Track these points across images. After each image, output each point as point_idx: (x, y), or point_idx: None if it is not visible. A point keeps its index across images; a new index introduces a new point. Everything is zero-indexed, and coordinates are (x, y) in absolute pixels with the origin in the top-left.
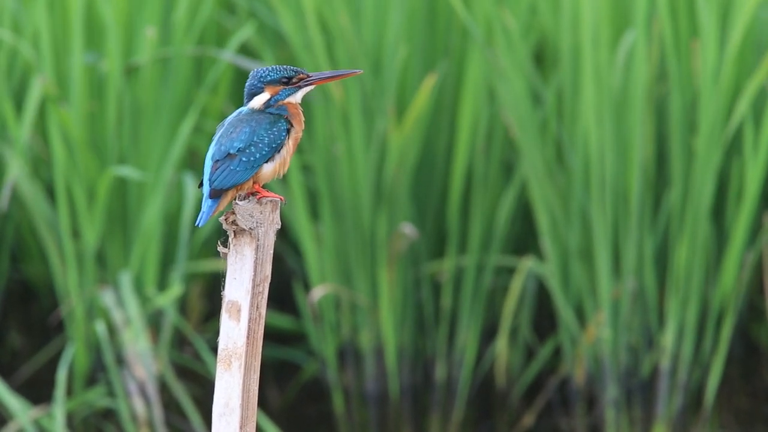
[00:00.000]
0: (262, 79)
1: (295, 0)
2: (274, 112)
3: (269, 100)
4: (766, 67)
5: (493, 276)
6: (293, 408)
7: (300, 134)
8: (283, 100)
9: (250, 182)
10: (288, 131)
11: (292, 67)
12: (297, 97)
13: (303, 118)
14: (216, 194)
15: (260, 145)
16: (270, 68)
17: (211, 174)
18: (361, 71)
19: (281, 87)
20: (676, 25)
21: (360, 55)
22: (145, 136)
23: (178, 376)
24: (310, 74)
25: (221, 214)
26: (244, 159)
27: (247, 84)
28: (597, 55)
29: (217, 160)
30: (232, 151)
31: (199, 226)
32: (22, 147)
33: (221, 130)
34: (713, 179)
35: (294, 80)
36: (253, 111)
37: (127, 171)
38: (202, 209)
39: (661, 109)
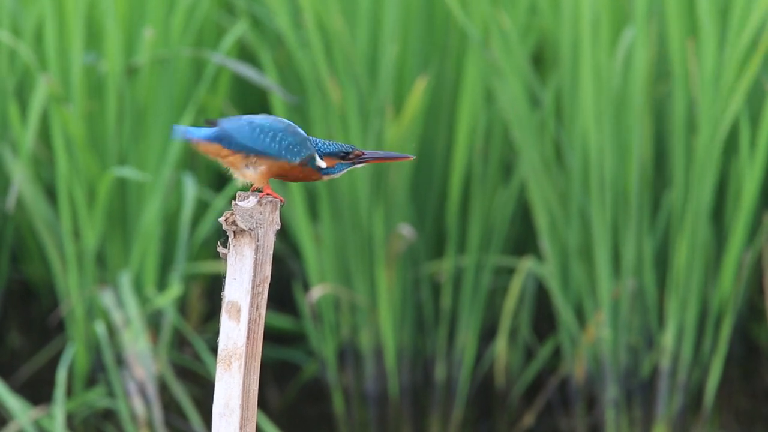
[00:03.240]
0: (320, 151)
1: (290, 0)
2: (329, 172)
3: (326, 168)
4: (757, 61)
5: (493, 276)
6: (293, 408)
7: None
8: (336, 173)
9: (255, 177)
10: (312, 160)
11: (349, 145)
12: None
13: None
14: (212, 124)
15: (285, 141)
16: (328, 142)
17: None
18: (413, 157)
19: (338, 161)
20: (678, 23)
21: (355, 56)
22: (145, 137)
23: (177, 377)
24: (365, 152)
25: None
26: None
27: (301, 140)
28: (596, 54)
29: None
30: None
31: (179, 137)
32: (26, 150)
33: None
34: (713, 179)
35: (351, 156)
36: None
37: (127, 171)
38: (189, 129)
39: (660, 109)
